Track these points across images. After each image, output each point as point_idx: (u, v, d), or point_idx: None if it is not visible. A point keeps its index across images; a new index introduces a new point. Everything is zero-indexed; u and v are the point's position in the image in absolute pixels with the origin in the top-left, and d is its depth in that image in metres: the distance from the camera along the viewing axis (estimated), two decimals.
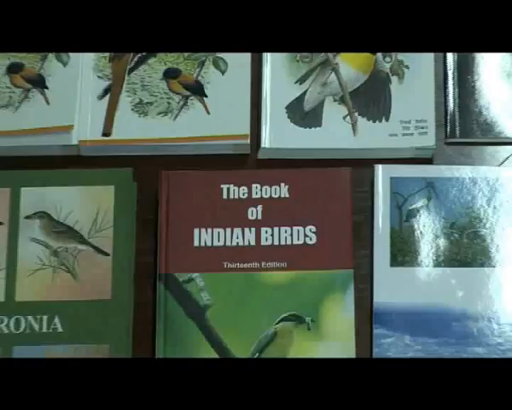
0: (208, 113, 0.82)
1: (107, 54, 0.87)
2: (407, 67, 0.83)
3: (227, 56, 0.85)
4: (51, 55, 0.85)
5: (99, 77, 0.84)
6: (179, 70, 0.85)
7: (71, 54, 0.86)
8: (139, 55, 0.86)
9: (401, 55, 0.85)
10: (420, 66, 0.84)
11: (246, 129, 0.80)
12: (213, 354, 0.75)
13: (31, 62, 0.84)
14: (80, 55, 0.86)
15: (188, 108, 0.83)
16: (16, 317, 0.76)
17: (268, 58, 0.85)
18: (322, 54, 0.86)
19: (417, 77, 0.84)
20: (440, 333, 0.75)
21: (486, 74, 0.86)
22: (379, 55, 0.85)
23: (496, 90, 0.85)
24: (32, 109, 0.83)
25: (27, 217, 0.79)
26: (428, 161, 0.82)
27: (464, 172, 0.80)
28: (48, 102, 0.82)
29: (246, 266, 0.77)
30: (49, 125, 0.82)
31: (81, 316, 0.76)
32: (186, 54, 0.86)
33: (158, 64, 0.85)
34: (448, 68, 0.85)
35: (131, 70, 0.84)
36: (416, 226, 0.78)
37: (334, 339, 0.75)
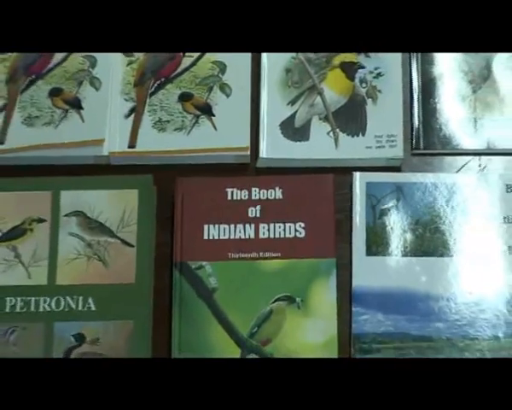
0: (215, 129, 0.85)
1: (132, 80, 0.89)
2: (380, 91, 0.86)
3: (231, 83, 0.87)
4: (86, 81, 0.88)
5: (125, 100, 0.87)
6: (192, 94, 0.87)
7: (102, 80, 0.88)
8: (158, 81, 0.89)
9: (375, 82, 0.87)
10: (390, 90, 0.87)
11: (246, 142, 0.84)
12: (220, 329, 0.78)
13: (69, 87, 0.87)
14: (110, 81, 0.88)
15: (199, 125, 0.85)
16: (57, 297, 0.79)
17: (265, 83, 0.87)
18: (310, 80, 0.88)
19: (388, 99, 0.86)
20: (407, 311, 0.78)
21: (445, 97, 0.88)
22: (356, 81, 0.88)
23: (453, 110, 0.87)
24: (69, 126, 0.86)
25: (66, 215, 0.82)
26: (397, 168, 0.85)
27: (427, 178, 0.83)
28: (83, 120, 0.85)
29: (246, 255, 0.80)
30: (84, 139, 0.85)
31: (110, 297, 0.79)
32: (198, 80, 0.88)
33: (174, 89, 0.88)
34: (414, 92, 0.88)
35: (152, 94, 0.87)
36: (387, 223, 0.81)
37: (319, 316, 0.78)
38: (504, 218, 0.81)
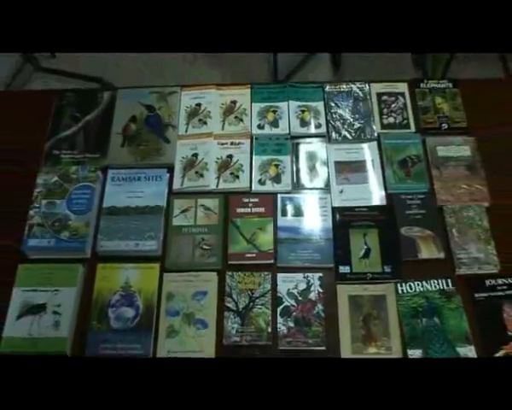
0: (240, 183, 1.48)
1: (217, 171, 1.47)
2: (283, 172, 1.50)
3: (244, 170, 1.47)
4: (201, 170, 1.50)
5: (216, 179, 1.49)
6: (233, 173, 1.49)
7: (209, 168, 1.48)
8: (223, 169, 1.46)
9: (282, 173, 1.47)
10: (288, 173, 1.50)
11: (247, 186, 1.47)
12: (241, 238, 1.38)
13: (200, 170, 1.48)
14: (210, 167, 1.46)
15: (235, 182, 1.49)
16: (203, 229, 1.41)
17: (254, 171, 1.48)
18: (265, 173, 1.51)
19: (285, 175, 1.50)
20: (292, 231, 1.39)
21: (302, 173, 1.49)
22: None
23: (305, 177, 1.50)
24: (197, 181, 1.49)
25: (199, 206, 1.51)
26: (290, 193, 1.45)
27: (300, 196, 1.46)
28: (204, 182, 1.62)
29: (249, 216, 1.43)
30: (203, 184, 1.48)
31: (212, 228, 1.42)
32: (236, 170, 1.48)
33: (229, 171, 1.49)
34: (293, 172, 1.49)
35: (222, 174, 1.51)
36: (286, 208, 1.44)
37: (268, 234, 1.41)
38: (320, 207, 1.44)
